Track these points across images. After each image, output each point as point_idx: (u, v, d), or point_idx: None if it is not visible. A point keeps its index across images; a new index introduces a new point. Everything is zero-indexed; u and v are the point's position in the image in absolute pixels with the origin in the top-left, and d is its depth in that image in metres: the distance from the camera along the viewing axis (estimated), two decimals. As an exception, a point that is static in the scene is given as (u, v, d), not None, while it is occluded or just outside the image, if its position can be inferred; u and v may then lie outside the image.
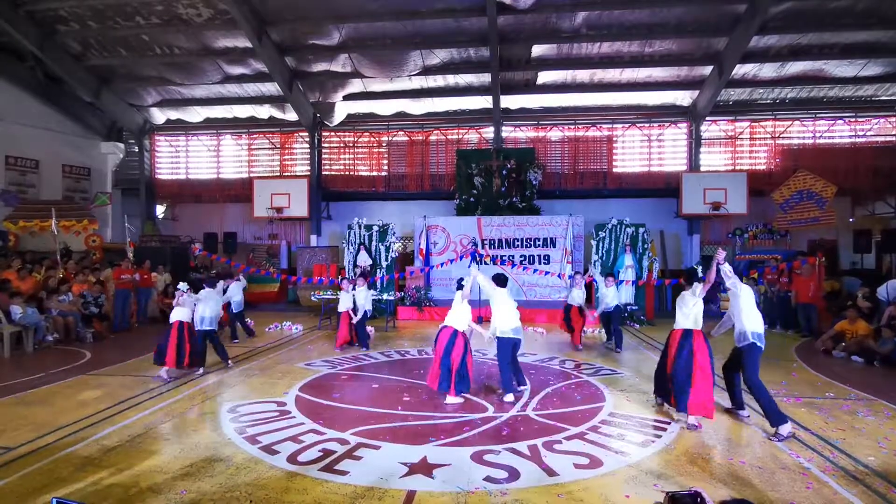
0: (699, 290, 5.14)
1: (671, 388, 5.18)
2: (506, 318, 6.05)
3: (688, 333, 5.16)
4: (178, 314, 7.00)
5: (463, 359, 5.84)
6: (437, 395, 5.93)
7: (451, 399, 5.79)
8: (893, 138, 16.00)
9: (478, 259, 13.52)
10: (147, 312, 12.11)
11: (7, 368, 7.60)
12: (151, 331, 10.32)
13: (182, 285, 7.20)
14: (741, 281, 5.29)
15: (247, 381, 6.87)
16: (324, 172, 17.75)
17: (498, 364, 6.17)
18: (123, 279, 11.14)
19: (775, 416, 4.79)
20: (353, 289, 9.33)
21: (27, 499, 3.51)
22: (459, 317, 6.01)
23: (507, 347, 6.04)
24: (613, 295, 9.36)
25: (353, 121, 17.56)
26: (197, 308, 7.24)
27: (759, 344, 5.03)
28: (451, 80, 15.69)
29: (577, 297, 9.34)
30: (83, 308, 10.10)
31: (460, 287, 6.17)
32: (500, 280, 6.26)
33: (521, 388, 6.29)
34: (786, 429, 4.73)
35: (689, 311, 5.18)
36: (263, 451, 4.40)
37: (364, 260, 13.50)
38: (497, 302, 6.12)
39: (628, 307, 12.20)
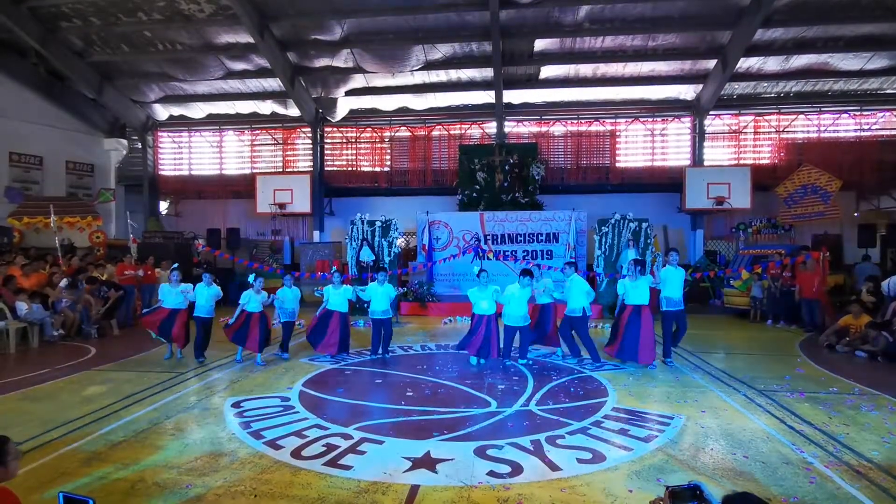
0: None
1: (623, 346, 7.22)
2: (525, 311, 7.51)
3: (638, 308, 7.26)
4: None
5: (496, 334, 7.43)
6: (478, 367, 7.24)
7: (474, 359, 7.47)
8: (899, 132, 15.90)
9: (480, 254, 13.54)
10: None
11: (12, 364, 7.65)
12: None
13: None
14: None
15: (251, 377, 6.90)
16: (326, 168, 17.75)
17: (507, 340, 7.54)
18: (127, 275, 11.18)
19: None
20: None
21: (33, 493, 3.54)
22: (489, 305, 7.40)
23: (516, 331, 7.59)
24: (579, 293, 7.54)
25: (355, 116, 17.55)
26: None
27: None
28: (454, 74, 15.65)
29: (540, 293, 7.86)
30: (99, 294, 10.16)
31: (477, 275, 7.54)
32: (527, 273, 7.55)
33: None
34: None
35: (637, 291, 7.34)
36: (268, 445, 4.42)
37: (367, 256, 13.51)
38: (519, 297, 7.37)
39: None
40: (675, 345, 7.80)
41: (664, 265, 7.88)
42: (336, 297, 7.94)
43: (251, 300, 7.71)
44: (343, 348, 7.96)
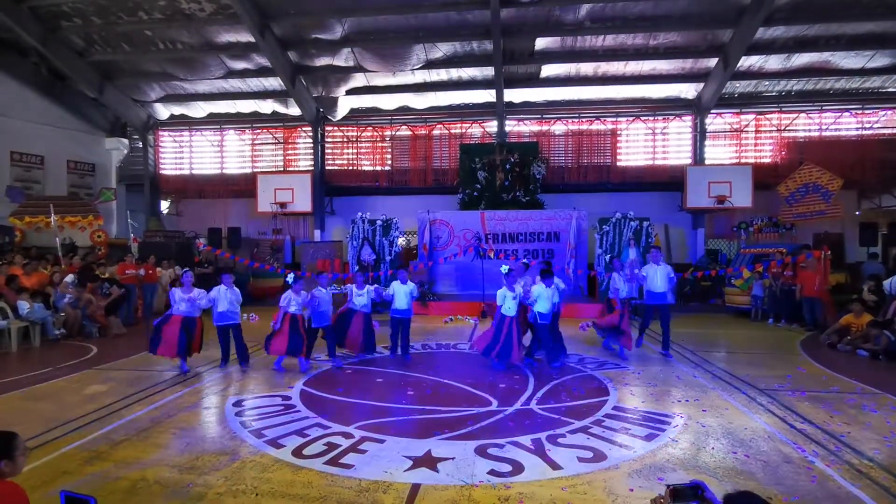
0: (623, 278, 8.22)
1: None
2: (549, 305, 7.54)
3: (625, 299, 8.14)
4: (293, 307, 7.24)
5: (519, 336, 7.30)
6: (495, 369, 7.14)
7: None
8: (901, 130, 15.86)
9: (481, 253, 13.54)
10: (153, 307, 12.14)
11: (14, 363, 7.67)
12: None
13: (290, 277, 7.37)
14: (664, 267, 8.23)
15: (252, 376, 6.91)
16: (327, 167, 17.76)
17: (542, 336, 7.50)
18: (128, 274, 11.18)
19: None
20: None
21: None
22: (515, 306, 7.27)
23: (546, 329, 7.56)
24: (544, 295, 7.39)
25: (356, 115, 17.55)
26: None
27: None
28: (455, 73, 15.64)
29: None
30: (101, 292, 10.14)
31: (506, 275, 7.37)
32: (547, 274, 7.52)
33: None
34: None
35: (621, 285, 8.19)
36: (269, 444, 4.43)
37: (368, 255, 13.52)
38: (546, 296, 7.39)
39: (632, 301, 12.15)
40: (642, 332, 8.49)
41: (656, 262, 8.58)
42: (359, 297, 7.78)
43: (292, 301, 7.19)
44: (368, 348, 7.79)
